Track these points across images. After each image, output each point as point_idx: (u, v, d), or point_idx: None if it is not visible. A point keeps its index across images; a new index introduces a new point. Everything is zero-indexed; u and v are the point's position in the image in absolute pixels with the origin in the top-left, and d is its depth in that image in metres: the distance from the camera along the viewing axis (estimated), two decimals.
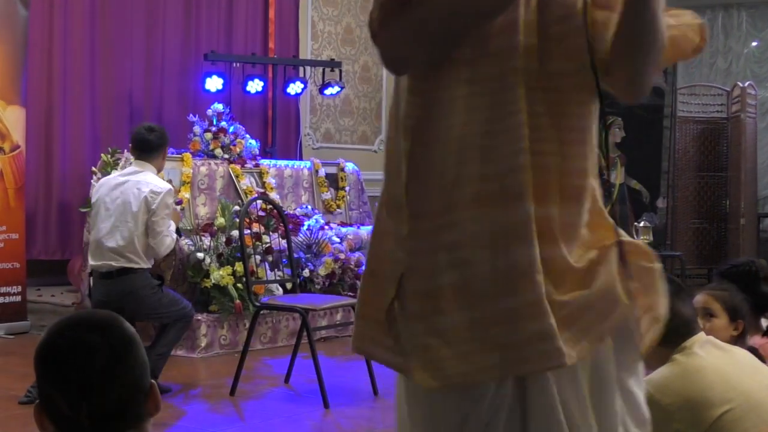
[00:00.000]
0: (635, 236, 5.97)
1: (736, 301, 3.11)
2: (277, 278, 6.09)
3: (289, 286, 6.12)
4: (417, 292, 1.65)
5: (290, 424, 4.49)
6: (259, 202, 6.03)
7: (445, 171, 1.63)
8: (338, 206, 7.72)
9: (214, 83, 7.82)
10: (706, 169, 10.01)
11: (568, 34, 1.65)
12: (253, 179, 7.12)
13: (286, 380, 5.23)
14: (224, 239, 6.24)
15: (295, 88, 8.52)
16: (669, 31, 1.68)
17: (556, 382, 1.62)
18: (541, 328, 1.58)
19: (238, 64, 8.26)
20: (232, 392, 4.93)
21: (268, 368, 5.70)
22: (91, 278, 4.94)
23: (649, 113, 8.99)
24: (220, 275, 6.03)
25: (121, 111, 7.89)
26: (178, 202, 6.11)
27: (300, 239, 6.70)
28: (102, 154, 6.47)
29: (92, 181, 6.24)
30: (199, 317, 5.86)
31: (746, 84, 9.85)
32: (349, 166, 8.01)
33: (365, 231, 7.47)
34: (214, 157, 6.99)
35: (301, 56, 9.19)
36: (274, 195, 7.02)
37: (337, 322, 6.50)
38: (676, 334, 2.50)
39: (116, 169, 5.87)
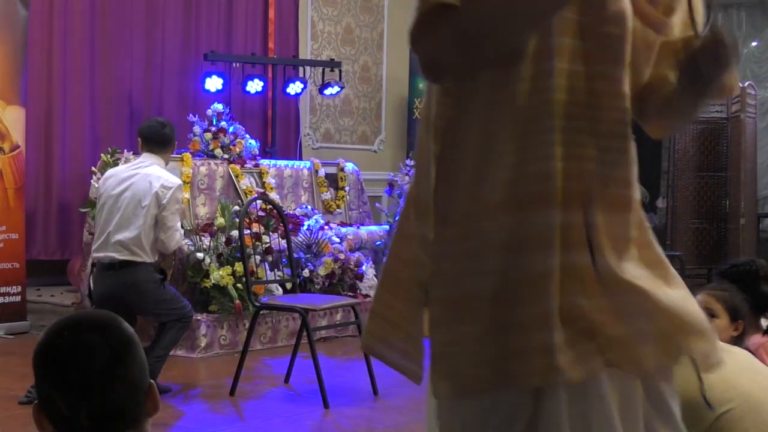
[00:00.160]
0: None
1: (736, 302, 3.10)
2: (277, 278, 6.09)
3: (288, 286, 6.12)
4: (440, 299, 1.63)
5: (290, 424, 4.48)
6: (258, 202, 6.03)
7: (475, 175, 1.60)
8: (338, 206, 7.72)
9: (213, 83, 7.82)
10: (706, 169, 10.00)
11: (612, 40, 1.63)
12: (252, 179, 7.11)
13: (286, 380, 5.23)
14: (224, 239, 6.24)
15: (294, 88, 8.52)
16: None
17: (576, 401, 1.56)
18: (541, 341, 1.54)
19: (237, 64, 8.25)
20: (232, 392, 4.93)
21: (268, 368, 5.69)
22: (92, 274, 4.90)
23: None
24: (219, 275, 6.03)
25: (121, 111, 7.88)
26: None
27: (300, 239, 6.69)
28: (102, 154, 6.46)
29: (92, 181, 6.23)
30: (199, 317, 5.86)
31: (746, 84, 9.83)
32: (349, 166, 8.01)
33: (365, 231, 7.47)
34: (214, 157, 6.99)
35: (301, 56, 9.18)
36: (273, 195, 7.02)
37: (337, 322, 6.50)
38: None
39: None
